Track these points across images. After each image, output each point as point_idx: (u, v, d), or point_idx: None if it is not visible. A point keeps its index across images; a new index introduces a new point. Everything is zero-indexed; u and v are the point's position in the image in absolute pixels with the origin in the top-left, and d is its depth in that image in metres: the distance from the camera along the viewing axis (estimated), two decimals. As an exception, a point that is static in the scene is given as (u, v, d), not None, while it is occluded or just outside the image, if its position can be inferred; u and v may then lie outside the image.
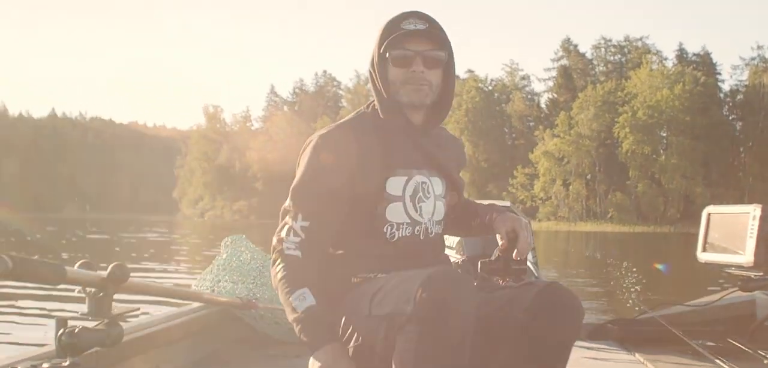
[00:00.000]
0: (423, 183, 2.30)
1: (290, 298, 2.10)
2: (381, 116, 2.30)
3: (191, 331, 2.81)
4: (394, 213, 2.24)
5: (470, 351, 1.92)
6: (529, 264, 3.29)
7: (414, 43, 2.23)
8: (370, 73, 2.30)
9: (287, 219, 2.22)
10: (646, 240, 44.77)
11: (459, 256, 3.37)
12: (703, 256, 3.37)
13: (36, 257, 1.90)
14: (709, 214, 3.41)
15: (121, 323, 2.02)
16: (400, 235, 2.26)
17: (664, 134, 79.83)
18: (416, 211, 2.28)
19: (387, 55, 2.25)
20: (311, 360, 2.05)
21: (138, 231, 40.65)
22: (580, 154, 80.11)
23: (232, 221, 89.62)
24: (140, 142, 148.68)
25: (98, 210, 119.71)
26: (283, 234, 2.20)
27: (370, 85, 2.33)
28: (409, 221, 2.26)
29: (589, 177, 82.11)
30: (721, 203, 3.62)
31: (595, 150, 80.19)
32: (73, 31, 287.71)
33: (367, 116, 2.34)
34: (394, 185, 2.24)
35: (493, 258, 2.49)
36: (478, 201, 2.67)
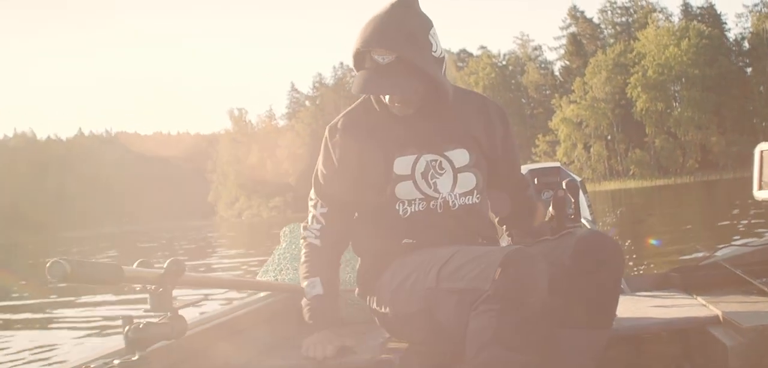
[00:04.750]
0: (433, 160, 2.31)
1: (304, 284, 2.34)
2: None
3: (259, 319, 2.76)
4: (404, 191, 2.30)
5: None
6: (584, 221, 3.39)
7: (383, 78, 2.17)
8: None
9: (310, 207, 2.43)
10: (671, 192, 44.02)
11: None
12: (759, 194, 3.17)
13: (93, 259, 1.97)
14: (761, 151, 3.19)
15: (186, 317, 2.00)
16: (412, 211, 2.30)
17: (676, 89, 79.14)
18: (430, 187, 2.30)
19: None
20: (309, 336, 2.26)
21: (183, 237, 39.51)
22: (597, 116, 79.75)
23: (269, 218, 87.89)
24: (167, 150, 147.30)
25: (136, 223, 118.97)
26: (308, 221, 2.42)
27: None
28: (422, 197, 2.30)
29: (608, 137, 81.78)
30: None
31: (612, 111, 79.70)
32: (80, 43, 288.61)
33: (372, 100, 2.36)
34: (401, 165, 2.29)
35: (547, 219, 2.63)
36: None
